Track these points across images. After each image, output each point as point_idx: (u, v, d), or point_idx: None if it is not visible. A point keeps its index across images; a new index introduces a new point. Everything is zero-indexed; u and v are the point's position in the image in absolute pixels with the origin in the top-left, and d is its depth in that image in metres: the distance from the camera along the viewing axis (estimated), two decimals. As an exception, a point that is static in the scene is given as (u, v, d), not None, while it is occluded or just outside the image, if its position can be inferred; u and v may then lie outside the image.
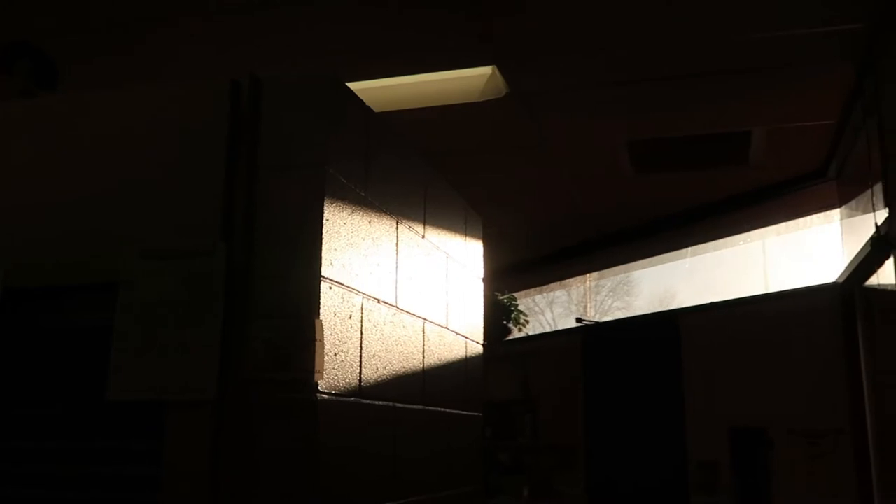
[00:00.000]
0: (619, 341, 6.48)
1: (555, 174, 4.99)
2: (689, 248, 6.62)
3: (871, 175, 3.62)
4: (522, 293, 8.41)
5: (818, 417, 4.65)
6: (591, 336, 6.80)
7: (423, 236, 2.75)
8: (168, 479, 1.85)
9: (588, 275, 8.39)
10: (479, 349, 3.34)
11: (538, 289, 9.23)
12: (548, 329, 9.62)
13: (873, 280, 3.99)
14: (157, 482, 1.86)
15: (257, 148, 2.02)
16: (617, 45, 3.27)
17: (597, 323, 7.32)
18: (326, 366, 1.96)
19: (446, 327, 2.92)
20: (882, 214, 3.40)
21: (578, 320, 7.33)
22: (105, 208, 2.06)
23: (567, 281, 8.62)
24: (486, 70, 3.66)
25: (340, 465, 2.04)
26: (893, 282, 3.41)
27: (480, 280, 3.48)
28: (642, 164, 4.86)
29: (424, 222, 2.76)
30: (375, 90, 3.51)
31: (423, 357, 2.66)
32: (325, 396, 1.96)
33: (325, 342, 1.95)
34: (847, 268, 4.45)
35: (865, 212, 3.86)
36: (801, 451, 4.72)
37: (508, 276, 7.92)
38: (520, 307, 7.71)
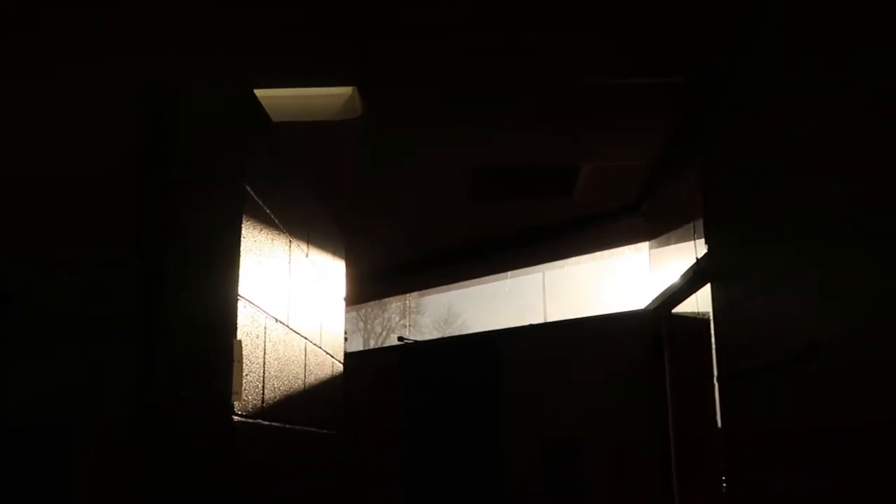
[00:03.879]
0: (438, 360, 6.63)
1: (398, 196, 5.09)
2: (497, 273, 6.96)
3: (689, 213, 4.03)
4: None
5: (627, 432, 5.06)
6: (409, 355, 6.91)
7: (307, 255, 2.72)
8: (71, 508, 1.72)
9: (408, 293, 8.52)
10: (341, 368, 3.34)
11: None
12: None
13: (693, 307, 4.43)
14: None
15: (173, 160, 1.94)
16: (463, 85, 3.44)
17: (416, 342, 7.44)
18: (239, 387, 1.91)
19: (320, 346, 2.91)
20: (703, 247, 3.80)
21: (400, 339, 7.42)
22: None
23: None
24: (346, 90, 3.69)
25: (247, 489, 1.98)
26: (703, 309, 3.83)
27: (343, 299, 3.48)
28: (476, 192, 5.08)
29: (308, 241, 2.74)
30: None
31: (305, 377, 2.63)
32: (238, 418, 1.91)
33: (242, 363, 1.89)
34: (659, 296, 4.90)
35: (678, 244, 4.28)
36: (611, 463, 5.11)
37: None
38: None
